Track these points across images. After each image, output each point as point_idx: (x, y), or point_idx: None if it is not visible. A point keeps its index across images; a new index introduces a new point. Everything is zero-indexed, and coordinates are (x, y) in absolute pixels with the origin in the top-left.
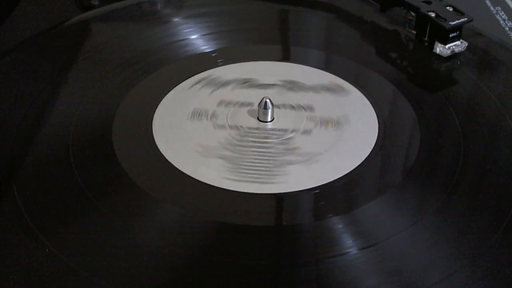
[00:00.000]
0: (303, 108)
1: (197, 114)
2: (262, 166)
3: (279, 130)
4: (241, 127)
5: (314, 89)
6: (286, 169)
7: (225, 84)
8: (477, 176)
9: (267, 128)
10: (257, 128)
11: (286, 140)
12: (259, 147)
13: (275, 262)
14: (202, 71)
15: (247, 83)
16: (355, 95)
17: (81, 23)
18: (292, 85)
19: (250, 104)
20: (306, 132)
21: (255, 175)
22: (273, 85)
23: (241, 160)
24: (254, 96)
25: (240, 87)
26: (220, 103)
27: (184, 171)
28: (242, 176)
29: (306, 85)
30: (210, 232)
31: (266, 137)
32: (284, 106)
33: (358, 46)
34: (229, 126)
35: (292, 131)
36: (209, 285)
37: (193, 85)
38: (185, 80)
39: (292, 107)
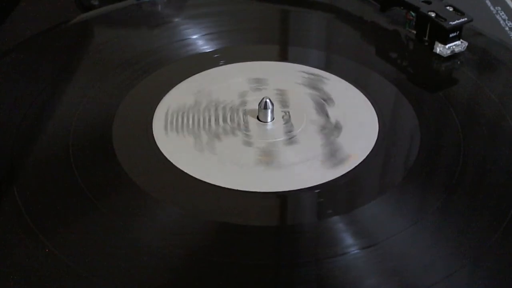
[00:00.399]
0: (290, 138)
1: (256, 81)
2: (186, 124)
3: (245, 126)
4: (244, 105)
5: (336, 152)
6: (189, 137)
7: (314, 88)
8: (477, 176)
9: (246, 119)
10: (244, 113)
11: (230, 131)
12: (215, 119)
13: (275, 262)
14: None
15: (323, 100)
16: (347, 166)
17: (81, 23)
18: (336, 131)
19: (285, 110)
20: (247, 143)
21: (174, 124)
22: (328, 118)
23: (191, 111)
24: (304, 109)
25: (314, 99)
26: (279, 90)
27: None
28: (168, 118)
29: (341, 141)
30: (210, 232)
31: (231, 119)
32: (292, 127)
33: (358, 46)
34: (242, 99)
35: (247, 135)
36: (209, 285)
37: (304, 72)
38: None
39: (289, 132)
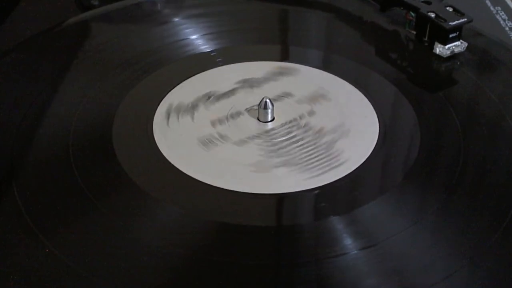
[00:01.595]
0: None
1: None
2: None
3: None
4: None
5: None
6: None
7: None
8: (477, 176)
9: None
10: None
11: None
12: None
13: (275, 262)
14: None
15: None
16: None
17: (81, 23)
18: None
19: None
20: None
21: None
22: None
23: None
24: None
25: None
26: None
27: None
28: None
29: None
30: (210, 232)
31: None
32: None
33: (358, 46)
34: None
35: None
36: (209, 285)
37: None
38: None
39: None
